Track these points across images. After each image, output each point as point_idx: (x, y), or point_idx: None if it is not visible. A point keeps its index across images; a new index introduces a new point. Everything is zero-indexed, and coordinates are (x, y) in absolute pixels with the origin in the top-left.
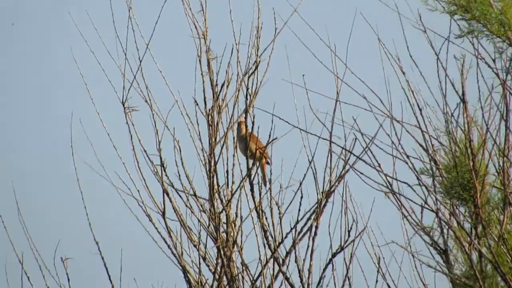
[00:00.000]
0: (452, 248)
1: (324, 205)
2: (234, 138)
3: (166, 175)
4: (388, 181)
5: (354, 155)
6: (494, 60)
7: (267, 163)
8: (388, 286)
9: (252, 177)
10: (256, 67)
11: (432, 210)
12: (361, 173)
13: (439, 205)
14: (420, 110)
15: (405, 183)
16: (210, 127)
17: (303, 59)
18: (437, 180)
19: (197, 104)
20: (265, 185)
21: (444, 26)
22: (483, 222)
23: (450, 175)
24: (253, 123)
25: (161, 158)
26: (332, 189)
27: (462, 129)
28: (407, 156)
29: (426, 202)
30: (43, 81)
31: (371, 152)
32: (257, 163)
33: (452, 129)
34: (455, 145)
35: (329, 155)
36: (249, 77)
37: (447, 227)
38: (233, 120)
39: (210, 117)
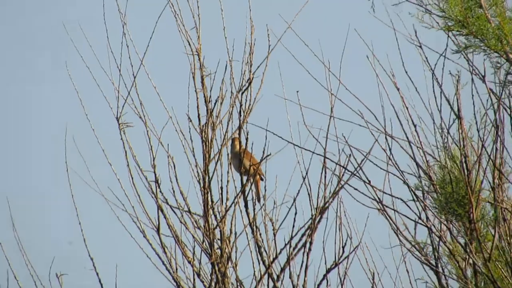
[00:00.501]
0: (446, 264)
1: (319, 221)
2: (228, 154)
3: (160, 191)
4: (379, 198)
5: (349, 171)
6: (484, 77)
7: (261, 179)
8: None
9: (246, 193)
10: (249, 84)
11: (426, 226)
12: (355, 189)
13: (434, 221)
14: (415, 126)
15: (399, 198)
16: (204, 144)
17: (297, 75)
18: (432, 196)
19: (191, 121)
20: (259, 201)
21: (439, 42)
22: (479, 237)
23: (445, 190)
24: (246, 139)
25: (155, 175)
26: (327, 205)
27: (457, 144)
28: (401, 172)
29: (420, 218)
30: (37, 96)
31: (362, 170)
32: (251, 179)
33: (448, 145)
34: (451, 160)
35: (323, 171)
36: (242, 93)
37: (439, 243)
38: (227, 137)
39: (204, 133)
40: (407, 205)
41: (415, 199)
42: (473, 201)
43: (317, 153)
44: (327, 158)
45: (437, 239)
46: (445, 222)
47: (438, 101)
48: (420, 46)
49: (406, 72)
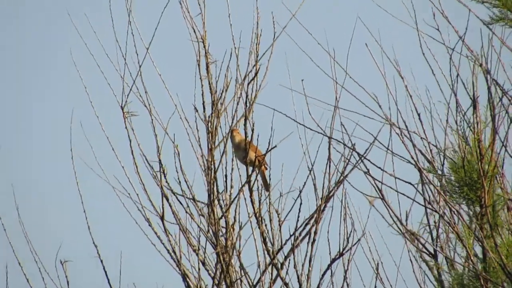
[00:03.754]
0: (454, 248)
1: (323, 210)
2: (231, 144)
3: (166, 181)
4: (378, 187)
5: (359, 154)
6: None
7: (266, 168)
8: None
9: (251, 184)
10: (256, 74)
11: (436, 211)
12: (364, 173)
13: (441, 206)
14: (419, 114)
15: (409, 183)
16: (210, 134)
17: (302, 65)
18: (445, 180)
19: (197, 111)
20: (267, 190)
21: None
22: (490, 222)
23: (457, 174)
24: (252, 130)
25: (161, 164)
26: (331, 193)
27: (471, 129)
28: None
29: (429, 203)
30: (43, 83)
31: (363, 162)
32: (257, 171)
33: (463, 129)
34: (465, 143)
35: (328, 162)
36: (248, 83)
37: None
38: (232, 125)
39: (210, 124)
40: (416, 189)
41: (426, 182)
42: (486, 186)
43: (324, 134)
44: (336, 141)
45: (448, 225)
46: (456, 207)
47: (455, 85)
48: (438, 29)
49: (424, 54)
